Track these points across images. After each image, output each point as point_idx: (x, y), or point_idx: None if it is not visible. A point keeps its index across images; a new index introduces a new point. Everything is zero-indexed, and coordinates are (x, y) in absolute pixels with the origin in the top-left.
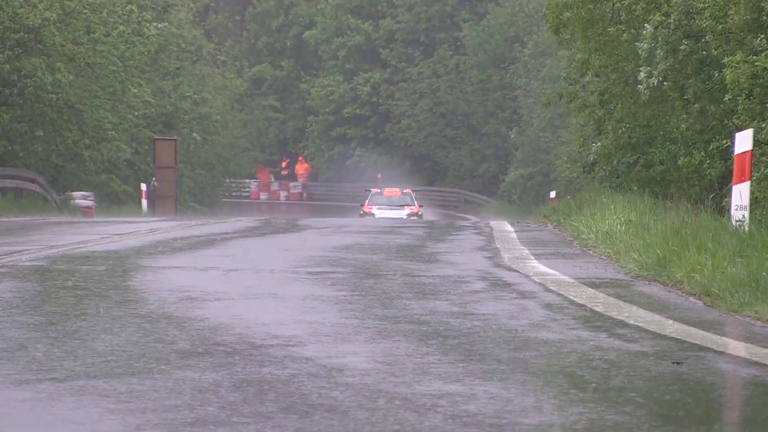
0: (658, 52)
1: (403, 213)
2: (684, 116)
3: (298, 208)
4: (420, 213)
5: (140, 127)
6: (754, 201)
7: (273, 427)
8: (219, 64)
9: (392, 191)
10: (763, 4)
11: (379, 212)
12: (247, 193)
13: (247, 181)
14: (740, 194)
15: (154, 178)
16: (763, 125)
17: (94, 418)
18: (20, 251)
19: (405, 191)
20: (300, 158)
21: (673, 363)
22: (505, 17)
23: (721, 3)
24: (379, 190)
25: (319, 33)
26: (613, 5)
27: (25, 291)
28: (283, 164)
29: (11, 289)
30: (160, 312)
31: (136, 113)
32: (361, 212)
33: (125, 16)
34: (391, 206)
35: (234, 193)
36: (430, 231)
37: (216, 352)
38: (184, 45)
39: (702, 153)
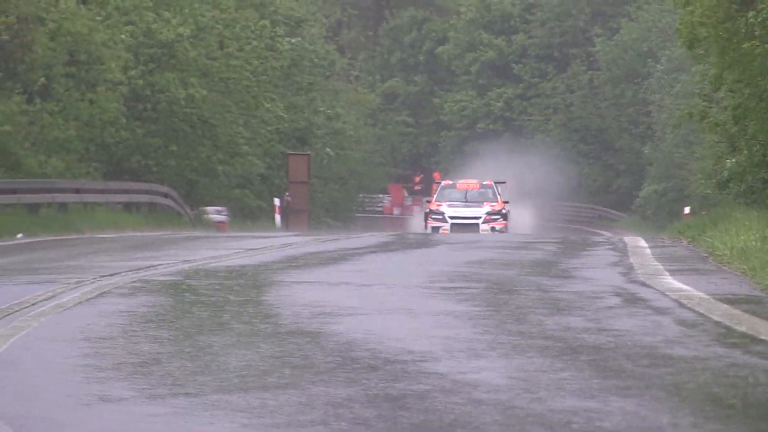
0: None
1: (481, 211)
2: None
3: None
4: (505, 210)
5: (273, 142)
6: None
7: None
8: (352, 79)
9: (468, 183)
10: None
11: (450, 210)
12: (380, 208)
13: (380, 196)
14: None
15: (287, 193)
16: None
17: None
18: (155, 266)
19: (485, 183)
20: (436, 174)
21: None
22: (639, 32)
23: None
24: (450, 182)
25: (452, 48)
26: (747, 21)
27: (159, 305)
28: (417, 179)
29: (145, 304)
30: (294, 327)
31: (269, 128)
32: (427, 209)
33: (258, 32)
34: (466, 203)
35: (367, 208)
36: (564, 246)
37: (350, 368)
38: (317, 60)
39: None
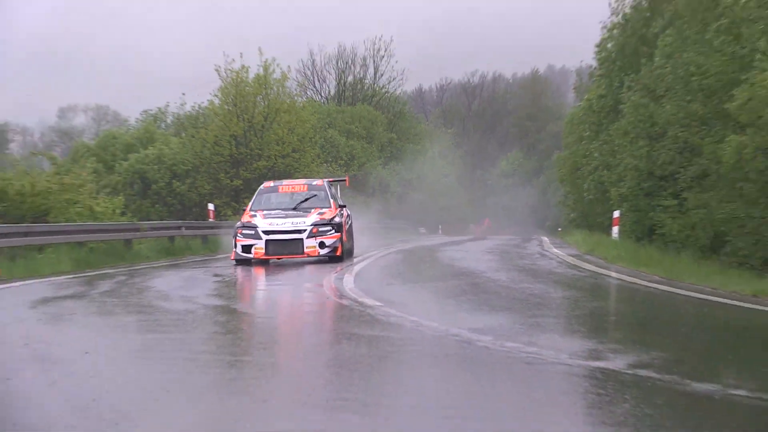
0: None
1: (306, 222)
2: None
3: None
4: (339, 220)
5: None
6: None
7: (469, 299)
8: None
9: (293, 185)
10: None
11: (265, 223)
12: None
13: None
14: None
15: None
16: None
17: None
18: (404, 241)
19: (316, 183)
20: None
21: (594, 280)
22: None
23: None
24: (272, 184)
25: None
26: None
27: (403, 257)
28: None
29: (398, 254)
30: (444, 263)
31: None
32: (239, 223)
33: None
34: (286, 212)
35: None
36: (522, 241)
37: (459, 275)
38: None
39: None
